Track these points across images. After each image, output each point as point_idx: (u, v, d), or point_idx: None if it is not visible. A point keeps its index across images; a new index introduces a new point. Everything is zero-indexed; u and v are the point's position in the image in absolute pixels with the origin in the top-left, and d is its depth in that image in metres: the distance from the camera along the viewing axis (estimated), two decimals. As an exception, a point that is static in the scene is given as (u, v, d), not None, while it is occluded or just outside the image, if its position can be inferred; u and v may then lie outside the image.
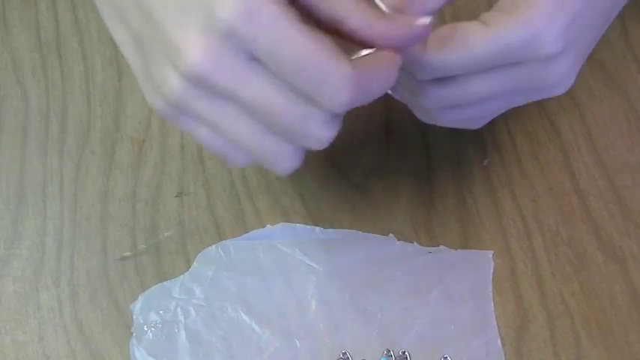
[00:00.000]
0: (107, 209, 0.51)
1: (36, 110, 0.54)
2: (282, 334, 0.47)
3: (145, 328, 0.48)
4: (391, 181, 0.51)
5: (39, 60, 0.56)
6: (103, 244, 0.50)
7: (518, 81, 0.39)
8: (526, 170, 0.51)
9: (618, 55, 0.53)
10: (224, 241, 0.50)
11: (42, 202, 0.51)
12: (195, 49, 0.32)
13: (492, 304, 0.47)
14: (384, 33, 0.34)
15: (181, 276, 0.49)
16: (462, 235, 0.49)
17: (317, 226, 0.50)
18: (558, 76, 0.39)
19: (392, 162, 0.51)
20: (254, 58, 0.32)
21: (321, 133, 0.34)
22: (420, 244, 0.49)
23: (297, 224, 0.50)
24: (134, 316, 0.48)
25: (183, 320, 0.48)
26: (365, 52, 0.35)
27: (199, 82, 0.32)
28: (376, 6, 0.36)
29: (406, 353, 0.46)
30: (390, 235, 0.49)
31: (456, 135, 0.51)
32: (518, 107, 0.43)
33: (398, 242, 0.49)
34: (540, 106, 0.52)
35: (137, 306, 0.48)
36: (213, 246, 0.50)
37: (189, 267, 0.49)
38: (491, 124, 0.46)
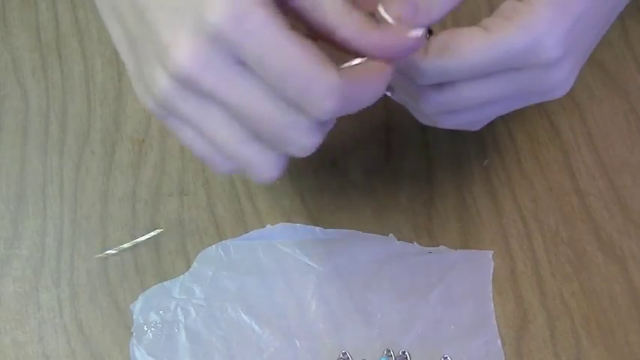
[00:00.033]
0: (107, 209, 0.51)
1: (36, 110, 0.54)
2: (282, 334, 0.47)
3: (145, 328, 0.48)
4: (391, 181, 0.51)
5: (39, 60, 0.56)
6: (103, 244, 0.50)
7: (519, 86, 0.39)
8: (526, 170, 0.51)
9: (618, 55, 0.53)
10: (224, 241, 0.50)
11: (42, 202, 0.51)
12: (184, 50, 0.32)
13: (492, 304, 0.47)
14: (376, 44, 0.34)
15: (181, 276, 0.49)
16: (462, 235, 0.49)
17: (317, 226, 0.50)
18: (559, 81, 0.39)
19: (392, 162, 0.51)
20: (242, 63, 0.32)
21: (305, 141, 0.34)
22: (420, 244, 0.49)
23: (297, 224, 0.50)
24: (134, 316, 0.48)
25: (183, 320, 0.48)
26: (356, 61, 0.35)
27: (186, 84, 0.33)
28: (380, 17, 0.36)
29: (406, 353, 0.46)
30: (390, 235, 0.49)
31: (456, 135, 0.51)
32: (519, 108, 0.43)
33: (398, 242, 0.49)
34: (540, 106, 0.52)
35: (137, 306, 0.48)
36: (213, 246, 0.50)
37: (189, 267, 0.49)
38: (492, 125, 0.46)
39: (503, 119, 0.52)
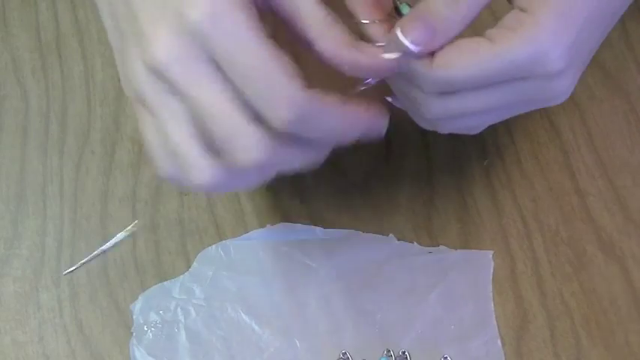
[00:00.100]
0: (107, 209, 0.51)
1: (36, 110, 0.54)
2: (282, 334, 0.47)
3: (145, 328, 0.48)
4: (391, 181, 0.51)
5: (39, 60, 0.56)
6: (103, 244, 0.50)
7: (522, 94, 0.39)
8: (526, 170, 0.51)
9: (618, 55, 0.53)
10: (224, 241, 0.50)
11: (42, 202, 0.51)
12: (161, 43, 0.33)
13: (492, 304, 0.47)
14: (349, 60, 0.36)
15: (181, 276, 0.49)
16: (462, 235, 0.49)
17: (317, 226, 0.50)
18: (562, 89, 0.39)
19: (392, 162, 0.51)
20: (213, 61, 0.33)
21: (250, 153, 0.34)
22: (420, 244, 0.49)
23: (297, 224, 0.50)
24: (134, 316, 0.48)
25: (183, 320, 0.48)
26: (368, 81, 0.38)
27: (157, 74, 0.34)
28: (398, 41, 0.37)
29: (406, 353, 0.46)
30: (390, 235, 0.49)
31: (456, 135, 0.51)
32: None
33: (398, 242, 0.49)
34: (540, 106, 0.52)
35: (137, 306, 0.48)
36: (213, 246, 0.50)
37: (189, 267, 0.49)
38: (491, 125, 0.46)
39: (504, 120, 0.52)
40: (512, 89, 0.39)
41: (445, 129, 0.42)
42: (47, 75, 0.55)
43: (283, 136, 0.35)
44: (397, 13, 0.40)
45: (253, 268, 0.49)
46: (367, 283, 0.48)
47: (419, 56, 0.37)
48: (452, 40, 0.38)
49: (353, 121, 0.36)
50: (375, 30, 0.39)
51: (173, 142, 0.35)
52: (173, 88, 0.34)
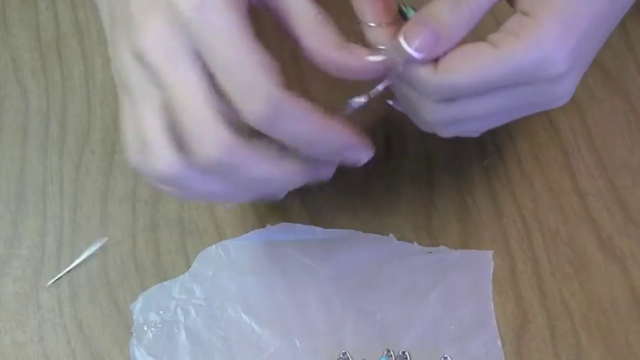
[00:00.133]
0: (107, 209, 0.51)
1: (36, 110, 0.54)
2: (282, 334, 0.47)
3: (145, 328, 0.48)
4: (391, 181, 0.51)
5: (39, 60, 0.56)
6: (103, 244, 0.50)
7: (524, 99, 0.39)
8: (526, 170, 0.51)
9: (618, 55, 0.53)
10: (224, 241, 0.50)
11: (42, 202, 0.51)
12: (148, 30, 0.34)
13: (492, 304, 0.47)
14: (335, 61, 0.37)
15: (181, 276, 0.49)
16: (462, 235, 0.49)
17: (317, 226, 0.50)
18: (564, 92, 0.39)
19: (392, 162, 0.51)
20: (196, 53, 0.34)
21: (211, 148, 0.34)
22: (420, 244, 0.49)
23: (297, 224, 0.50)
24: (134, 316, 0.48)
25: (183, 320, 0.48)
26: (381, 86, 0.39)
27: (141, 61, 0.35)
28: (401, 48, 0.37)
29: (406, 353, 0.46)
30: (390, 235, 0.49)
31: (456, 136, 0.51)
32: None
33: (398, 242, 0.49)
34: (540, 106, 0.52)
35: (137, 306, 0.48)
36: (213, 246, 0.50)
37: (189, 267, 0.49)
38: (492, 125, 0.46)
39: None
40: (514, 93, 0.38)
41: (447, 133, 0.42)
42: (47, 75, 0.55)
43: (253, 146, 0.35)
44: (402, 16, 0.40)
45: (253, 268, 0.49)
46: (367, 283, 0.48)
47: (422, 63, 0.37)
48: (455, 46, 0.38)
49: (327, 134, 0.36)
50: (381, 33, 0.39)
51: (143, 129, 0.36)
52: (153, 76, 0.35)
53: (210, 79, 0.35)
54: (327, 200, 0.50)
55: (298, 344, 0.47)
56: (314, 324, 0.47)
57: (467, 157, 0.51)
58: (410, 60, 0.37)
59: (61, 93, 0.55)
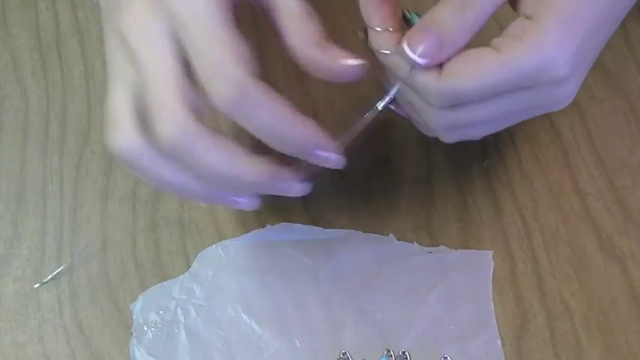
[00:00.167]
0: (107, 209, 0.51)
1: (36, 110, 0.54)
2: (282, 334, 0.47)
3: (145, 328, 0.48)
4: (391, 181, 0.51)
5: (39, 60, 0.56)
6: (103, 244, 0.50)
7: (527, 102, 0.39)
8: (526, 170, 0.51)
9: (618, 56, 0.53)
10: (224, 241, 0.50)
11: (42, 202, 0.51)
12: (131, 11, 0.36)
13: (492, 304, 0.47)
14: (312, 59, 0.37)
15: (181, 276, 0.49)
16: (462, 235, 0.49)
17: (317, 226, 0.50)
18: (566, 95, 0.39)
19: (392, 162, 0.51)
20: (174, 37, 0.35)
21: (170, 127, 0.35)
22: (420, 244, 0.49)
23: (297, 224, 0.50)
24: (134, 316, 0.48)
25: (183, 320, 0.48)
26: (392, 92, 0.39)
27: (123, 41, 0.36)
28: (405, 54, 0.37)
29: (406, 353, 0.46)
30: (390, 235, 0.49)
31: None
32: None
33: (398, 242, 0.49)
34: (540, 106, 0.52)
35: (137, 306, 0.48)
36: (213, 246, 0.50)
37: (189, 267, 0.49)
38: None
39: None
40: (518, 97, 0.38)
41: (450, 139, 0.42)
42: (47, 75, 0.55)
43: (213, 135, 0.36)
44: (406, 23, 0.40)
45: (253, 268, 0.49)
46: (367, 283, 0.48)
47: (426, 69, 0.37)
48: (458, 51, 0.37)
49: (294, 127, 0.36)
50: (387, 38, 0.39)
51: (113, 105, 0.37)
52: (131, 56, 0.36)
53: (186, 66, 0.35)
54: (327, 200, 0.50)
55: (298, 344, 0.47)
56: (314, 324, 0.47)
57: (467, 157, 0.51)
58: (414, 66, 0.37)
59: (61, 93, 0.55)
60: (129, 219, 0.51)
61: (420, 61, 0.37)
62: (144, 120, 0.36)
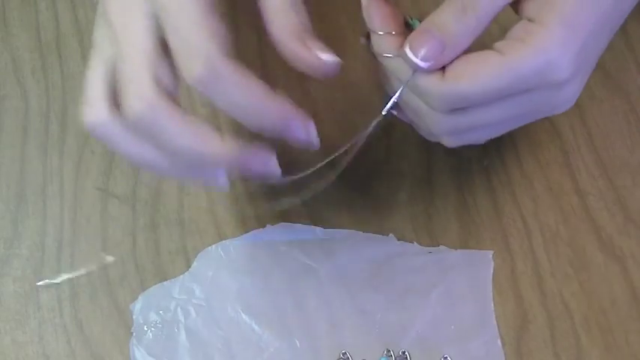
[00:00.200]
0: (107, 209, 0.51)
1: (36, 110, 0.54)
2: (282, 334, 0.47)
3: (145, 328, 0.48)
4: (391, 181, 0.51)
5: (39, 60, 0.56)
6: (103, 244, 0.50)
7: (530, 105, 0.39)
8: (526, 170, 0.51)
9: (618, 56, 0.53)
10: (224, 241, 0.50)
11: (42, 202, 0.51)
12: None
13: (492, 304, 0.47)
14: (290, 51, 0.38)
15: (181, 276, 0.49)
16: (462, 235, 0.49)
17: (317, 226, 0.50)
18: (568, 97, 0.39)
19: (392, 162, 0.51)
20: (154, 18, 0.36)
21: (137, 100, 0.35)
22: (420, 244, 0.49)
23: (297, 224, 0.50)
24: (134, 316, 0.48)
25: (183, 320, 0.48)
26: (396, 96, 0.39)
27: (107, 21, 0.37)
28: (407, 58, 0.37)
29: (406, 353, 0.46)
30: (390, 235, 0.49)
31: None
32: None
33: (398, 242, 0.49)
34: (540, 106, 0.52)
35: (137, 306, 0.48)
36: (213, 246, 0.50)
37: (189, 267, 0.49)
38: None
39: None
40: (520, 100, 0.38)
41: (452, 143, 0.42)
42: (47, 75, 0.55)
43: (181, 112, 0.36)
44: (408, 29, 0.40)
45: (253, 268, 0.49)
46: (367, 283, 0.48)
47: (429, 72, 0.37)
48: (460, 55, 0.37)
49: (265, 103, 0.37)
50: (389, 41, 0.39)
51: (88, 80, 0.38)
52: (110, 32, 0.36)
53: (163, 45, 0.36)
54: (327, 200, 0.50)
55: (298, 344, 0.47)
56: (314, 324, 0.47)
57: (467, 157, 0.51)
58: (417, 69, 0.37)
59: (61, 93, 0.55)
60: (129, 219, 0.51)
61: (422, 64, 0.37)
62: (116, 95, 0.37)
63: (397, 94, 0.40)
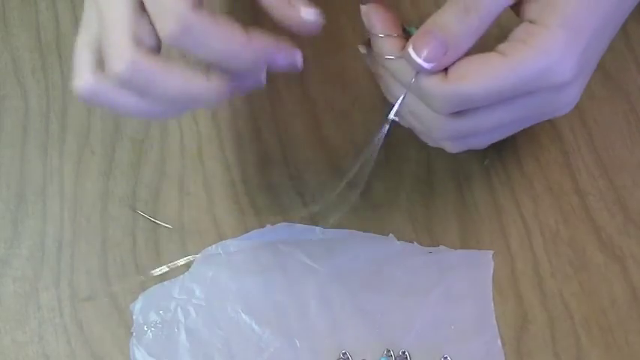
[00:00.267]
0: (107, 209, 0.51)
1: (36, 110, 0.54)
2: (282, 334, 0.47)
3: (145, 328, 0.48)
4: (391, 181, 0.51)
5: (39, 60, 0.56)
6: (103, 244, 0.50)
7: (532, 108, 0.39)
8: (526, 170, 0.51)
9: (618, 56, 0.53)
10: (224, 241, 0.50)
11: (42, 202, 0.51)
12: None
13: (492, 304, 0.47)
14: (276, 7, 0.37)
15: (181, 276, 0.49)
16: (462, 235, 0.49)
17: (317, 226, 0.50)
18: (569, 99, 0.39)
19: (392, 162, 0.51)
20: None
21: (119, 62, 0.36)
22: (420, 244, 0.49)
23: (297, 224, 0.50)
24: (134, 316, 0.48)
25: (183, 320, 0.48)
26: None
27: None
28: (411, 59, 0.37)
29: (406, 353, 0.46)
30: (390, 235, 0.49)
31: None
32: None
33: (398, 242, 0.49)
34: (540, 106, 0.52)
35: (137, 306, 0.48)
36: (213, 246, 0.50)
37: (189, 267, 0.49)
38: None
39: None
40: (522, 103, 0.38)
41: (454, 149, 0.42)
42: (47, 75, 0.55)
43: (162, 63, 0.37)
44: (406, 35, 0.40)
45: (253, 268, 0.49)
46: (367, 283, 0.48)
47: (431, 73, 0.37)
48: (463, 56, 0.37)
49: (246, 47, 0.37)
50: (390, 43, 0.39)
51: (75, 49, 0.39)
52: (95, 4, 0.38)
53: (143, 7, 0.37)
54: (327, 200, 0.50)
55: (298, 344, 0.47)
56: (314, 324, 0.47)
57: (467, 157, 0.51)
58: (419, 71, 0.37)
59: (61, 93, 0.55)
60: (129, 219, 0.51)
61: (425, 65, 0.37)
62: (102, 63, 0.38)
63: (402, 96, 0.40)
